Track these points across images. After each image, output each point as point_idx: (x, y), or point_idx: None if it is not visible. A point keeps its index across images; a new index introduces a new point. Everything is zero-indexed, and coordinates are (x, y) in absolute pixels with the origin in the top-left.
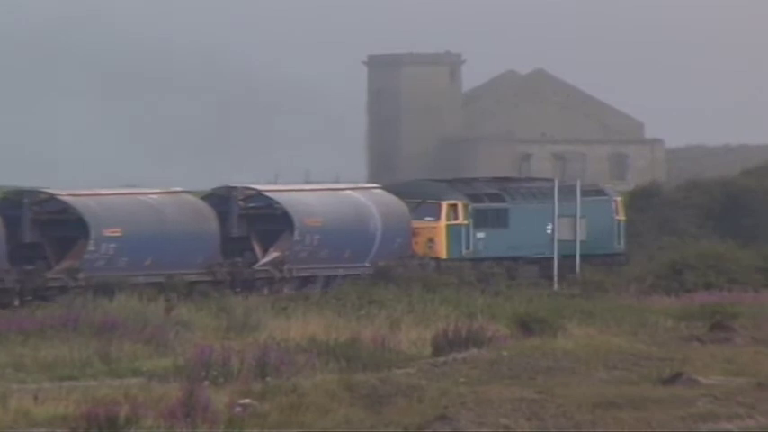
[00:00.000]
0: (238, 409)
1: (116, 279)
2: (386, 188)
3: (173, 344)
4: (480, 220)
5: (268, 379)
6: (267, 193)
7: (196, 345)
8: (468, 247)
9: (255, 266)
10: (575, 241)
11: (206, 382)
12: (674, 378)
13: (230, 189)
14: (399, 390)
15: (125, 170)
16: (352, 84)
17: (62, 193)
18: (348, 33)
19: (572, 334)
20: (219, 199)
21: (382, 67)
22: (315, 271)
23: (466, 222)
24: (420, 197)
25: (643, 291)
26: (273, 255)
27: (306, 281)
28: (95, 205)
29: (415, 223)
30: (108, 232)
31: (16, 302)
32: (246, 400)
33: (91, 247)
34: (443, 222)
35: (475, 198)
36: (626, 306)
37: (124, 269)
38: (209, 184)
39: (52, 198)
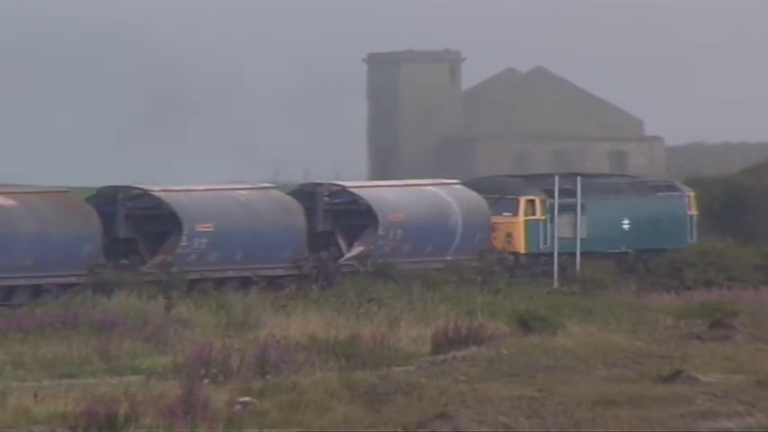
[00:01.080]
0: (238, 407)
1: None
2: (465, 184)
3: (172, 342)
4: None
5: (268, 377)
6: (352, 189)
7: (196, 343)
8: (545, 242)
9: (341, 261)
10: (648, 237)
11: (205, 380)
12: (673, 376)
13: (316, 185)
14: (399, 388)
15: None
16: (351, 81)
17: (155, 188)
18: (348, 30)
19: (572, 332)
20: (305, 195)
21: (382, 65)
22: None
23: (543, 217)
24: (498, 193)
25: (643, 288)
26: (358, 249)
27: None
28: (188, 201)
29: (494, 218)
30: (200, 227)
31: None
32: (246, 398)
33: (183, 242)
34: (521, 217)
35: (552, 193)
36: (625, 304)
37: (215, 264)
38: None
39: (146, 194)
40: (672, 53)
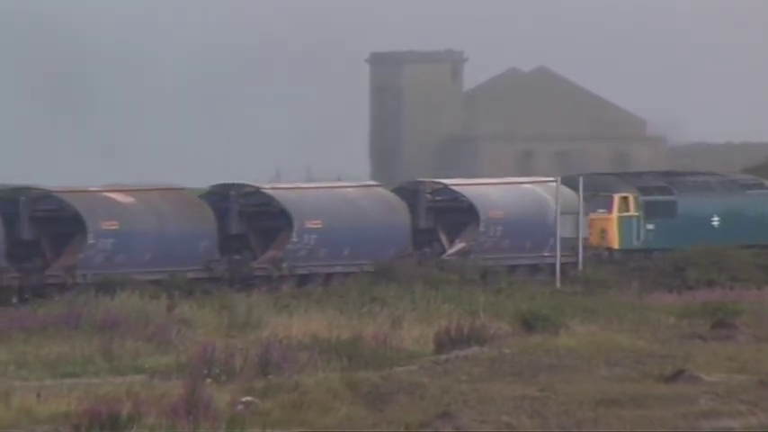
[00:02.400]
0: (240, 406)
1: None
2: (562, 181)
3: (175, 341)
4: (650, 211)
5: (270, 377)
6: (454, 187)
7: (198, 342)
8: (638, 238)
9: (443, 257)
10: (737, 233)
11: (208, 380)
12: (676, 376)
13: (418, 183)
14: (401, 388)
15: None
16: (353, 81)
17: (266, 186)
18: (350, 30)
19: (574, 331)
20: (408, 192)
21: (384, 65)
22: (497, 261)
23: (636, 214)
24: (592, 190)
25: (645, 288)
26: (460, 245)
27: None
28: (297, 198)
29: (590, 215)
30: (309, 224)
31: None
32: (248, 398)
33: (294, 239)
34: (615, 214)
35: (644, 191)
36: (628, 303)
37: (323, 259)
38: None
39: (257, 191)
40: (674, 53)
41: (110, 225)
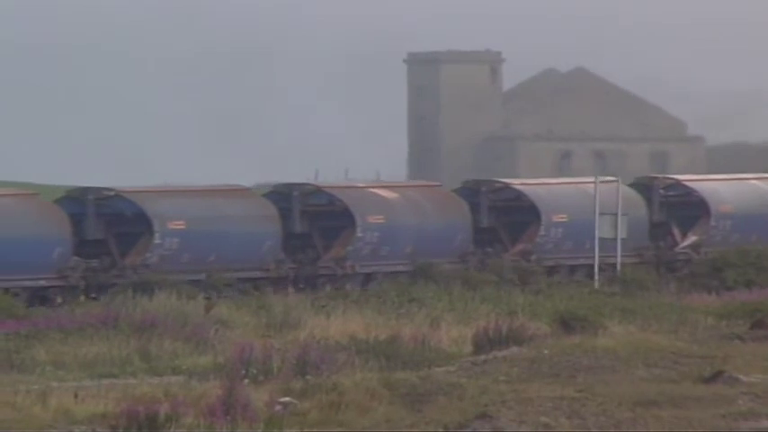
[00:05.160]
0: (278, 407)
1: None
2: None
3: (212, 342)
4: None
5: (308, 377)
6: (686, 183)
7: (236, 343)
8: None
9: (676, 249)
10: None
11: (246, 381)
12: (714, 376)
13: (652, 179)
14: (439, 388)
15: None
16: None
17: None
18: (389, 30)
19: (612, 332)
20: (642, 187)
21: (422, 65)
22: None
23: None
24: None
25: (683, 289)
26: (692, 239)
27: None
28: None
29: None
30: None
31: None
32: (286, 399)
33: (359, 234)
34: None
35: None
36: (666, 304)
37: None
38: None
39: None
40: (713, 51)
41: (375, 219)
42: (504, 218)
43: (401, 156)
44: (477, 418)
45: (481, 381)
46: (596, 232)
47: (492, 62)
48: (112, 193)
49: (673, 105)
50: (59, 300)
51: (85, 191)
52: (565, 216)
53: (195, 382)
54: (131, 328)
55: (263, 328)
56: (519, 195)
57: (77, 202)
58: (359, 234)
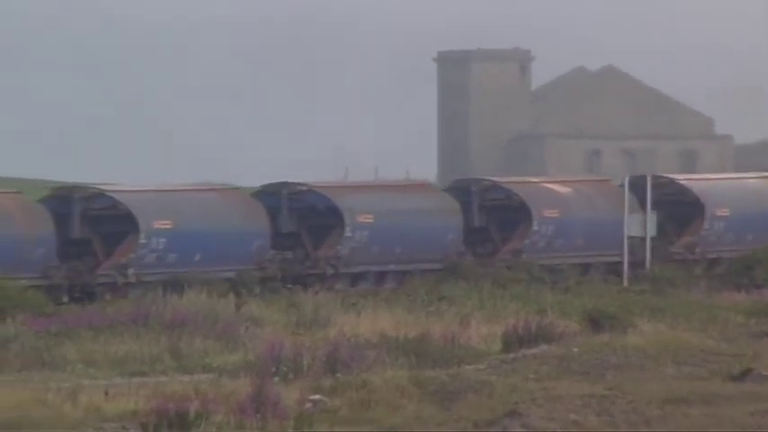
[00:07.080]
0: (308, 404)
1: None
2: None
3: (243, 340)
4: None
5: (338, 375)
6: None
7: (266, 340)
8: None
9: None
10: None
11: (276, 378)
12: (744, 374)
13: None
14: (469, 386)
15: None
16: (421, 80)
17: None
18: (418, 29)
19: (642, 330)
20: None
21: (452, 64)
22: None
23: None
24: None
25: (713, 287)
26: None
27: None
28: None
29: None
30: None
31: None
32: (317, 396)
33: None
34: None
35: None
36: (696, 302)
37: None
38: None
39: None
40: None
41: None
42: (670, 210)
43: (431, 154)
44: (506, 416)
45: (510, 379)
46: (625, 230)
47: (521, 60)
48: (305, 188)
49: (701, 104)
50: (257, 290)
51: (281, 185)
52: (727, 211)
53: (225, 380)
54: (162, 326)
55: (293, 325)
56: (683, 190)
57: (273, 197)
58: (534, 228)
